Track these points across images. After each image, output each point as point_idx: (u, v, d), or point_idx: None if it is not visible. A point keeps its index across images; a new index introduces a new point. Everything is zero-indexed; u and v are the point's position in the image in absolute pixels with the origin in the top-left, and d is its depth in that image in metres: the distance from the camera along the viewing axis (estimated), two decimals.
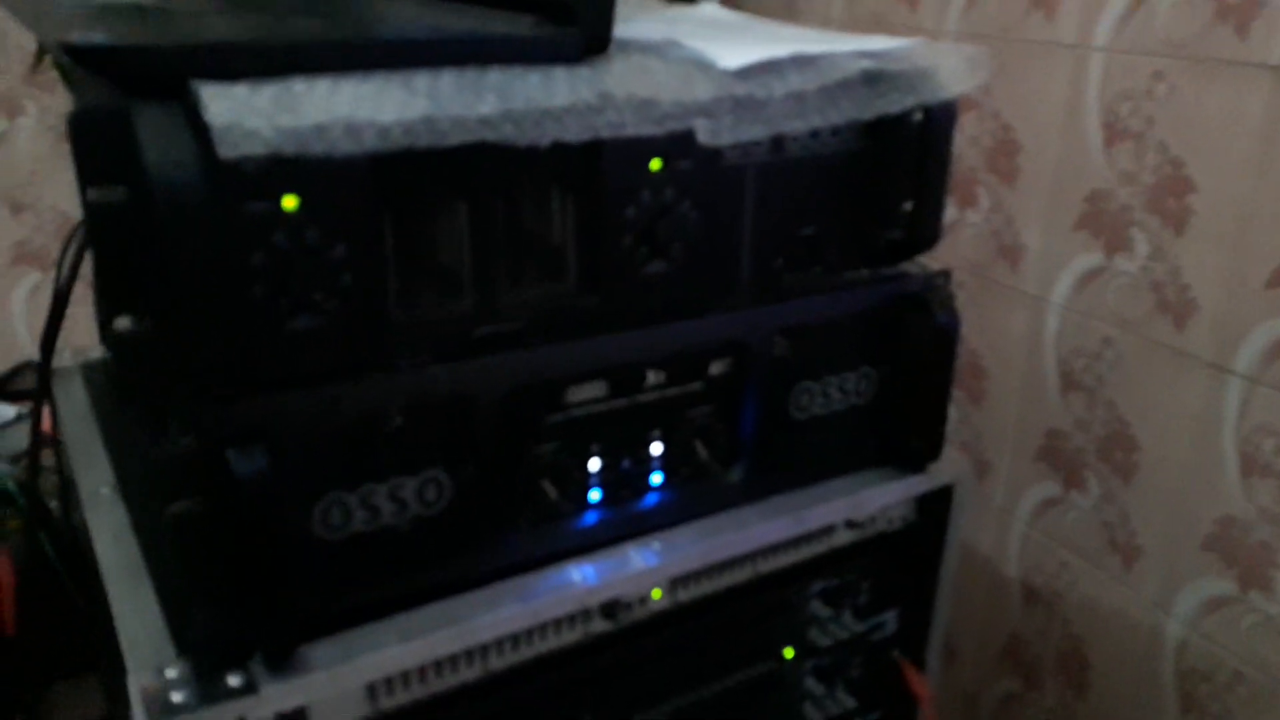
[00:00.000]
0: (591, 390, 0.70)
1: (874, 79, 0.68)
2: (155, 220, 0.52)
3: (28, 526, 1.06)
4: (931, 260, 0.82)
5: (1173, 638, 1.11)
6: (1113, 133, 1.08)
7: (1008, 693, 1.34)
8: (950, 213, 1.29)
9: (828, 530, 0.82)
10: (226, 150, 0.51)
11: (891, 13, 1.34)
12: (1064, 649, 1.25)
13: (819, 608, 0.85)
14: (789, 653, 0.85)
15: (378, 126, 0.54)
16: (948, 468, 0.85)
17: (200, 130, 0.51)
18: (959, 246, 1.29)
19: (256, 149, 0.52)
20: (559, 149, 0.60)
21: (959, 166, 1.26)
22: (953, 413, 1.33)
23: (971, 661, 1.39)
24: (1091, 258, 1.13)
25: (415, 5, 0.73)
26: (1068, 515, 1.22)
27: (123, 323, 0.56)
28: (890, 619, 0.89)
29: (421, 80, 0.57)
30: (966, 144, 1.25)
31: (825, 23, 1.41)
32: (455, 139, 0.56)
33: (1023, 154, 1.19)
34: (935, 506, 0.86)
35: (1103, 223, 1.11)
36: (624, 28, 0.69)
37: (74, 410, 0.93)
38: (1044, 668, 1.28)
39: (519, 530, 0.70)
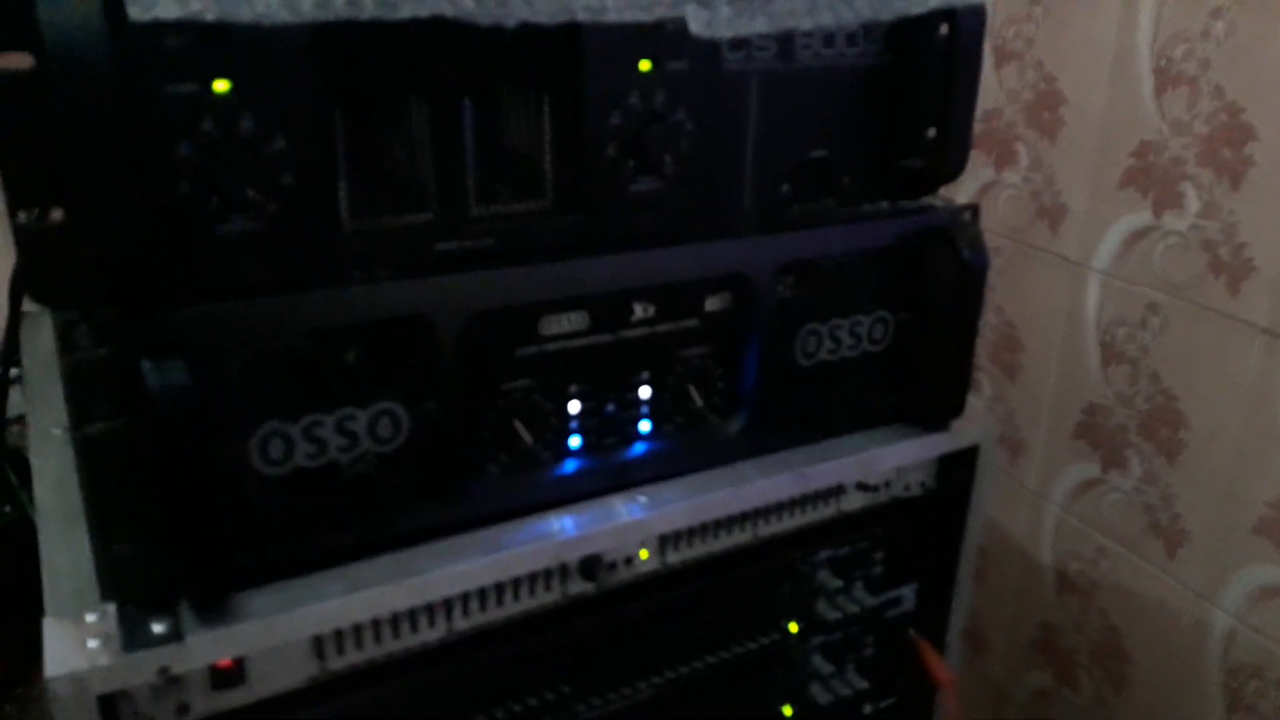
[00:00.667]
0: (570, 322, 0.63)
1: None
2: (55, 95, 0.45)
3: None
4: None
5: (1219, 629, 1.02)
6: (1165, 78, 0.99)
7: (1039, 686, 1.26)
8: (987, 173, 1.20)
9: (836, 492, 0.74)
10: (138, 11, 0.45)
11: None
12: (1100, 641, 1.16)
13: (827, 578, 0.77)
14: (793, 626, 0.77)
15: None
16: (972, 427, 0.77)
17: None
18: (995, 209, 1.20)
19: (171, 12, 0.45)
20: (532, 40, 0.54)
21: (996, 123, 1.18)
22: (985, 387, 1.25)
23: (1001, 652, 1.31)
24: (1138, 217, 1.04)
25: None
26: (1107, 497, 1.13)
27: (29, 216, 0.49)
28: (908, 594, 0.81)
29: None
30: (1006, 98, 1.16)
31: None
32: (406, 11, 0.49)
33: (1066, 106, 1.10)
34: (957, 470, 0.78)
35: (1152, 178, 1.02)
36: None
37: (37, 350, 0.87)
38: (1079, 661, 1.20)
39: (487, 476, 0.63)
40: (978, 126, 1.18)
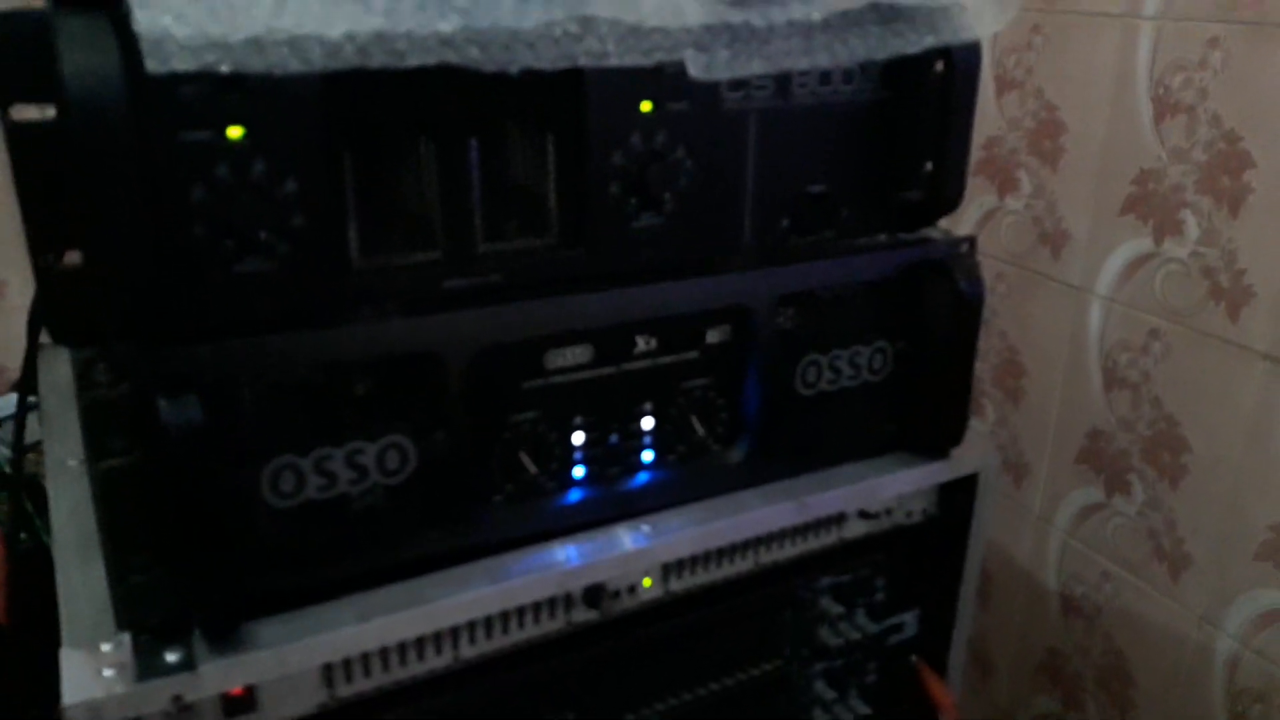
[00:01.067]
0: (574, 355, 0.64)
1: (887, 14, 0.62)
2: (75, 143, 0.47)
3: (13, 507, 1.03)
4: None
5: (1223, 654, 1.03)
6: (1163, 107, 1.00)
7: (1045, 710, 1.26)
8: (989, 199, 1.22)
9: (837, 519, 0.75)
10: (155, 64, 0.47)
11: None
12: (1106, 665, 1.17)
13: (829, 605, 0.78)
14: (796, 653, 0.78)
15: (325, 42, 0.49)
16: (972, 454, 0.78)
17: (130, 44, 0.47)
18: (998, 235, 1.21)
19: (188, 64, 0.47)
20: (537, 83, 0.55)
21: (998, 150, 1.19)
22: (989, 412, 1.26)
23: (1007, 677, 1.31)
24: (1139, 243, 1.05)
25: None
26: (1110, 522, 1.14)
27: (50, 258, 0.51)
28: (909, 620, 0.82)
29: None
30: (1007, 126, 1.18)
31: None
32: (414, 60, 0.51)
33: (1066, 134, 1.11)
34: (958, 497, 0.79)
35: (1152, 205, 1.03)
36: None
37: (55, 382, 0.89)
38: (1084, 685, 1.20)
39: (493, 507, 0.64)
40: (980, 154, 1.20)
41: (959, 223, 1.21)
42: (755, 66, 0.59)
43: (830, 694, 0.80)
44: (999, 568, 1.28)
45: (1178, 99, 0.99)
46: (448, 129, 0.57)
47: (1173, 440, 1.05)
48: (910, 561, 0.81)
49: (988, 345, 1.24)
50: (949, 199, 0.71)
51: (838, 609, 0.78)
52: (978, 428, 0.78)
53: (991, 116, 1.19)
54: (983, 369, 1.26)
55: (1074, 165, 1.11)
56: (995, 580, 1.29)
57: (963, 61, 0.66)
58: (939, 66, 0.68)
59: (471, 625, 0.63)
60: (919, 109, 0.69)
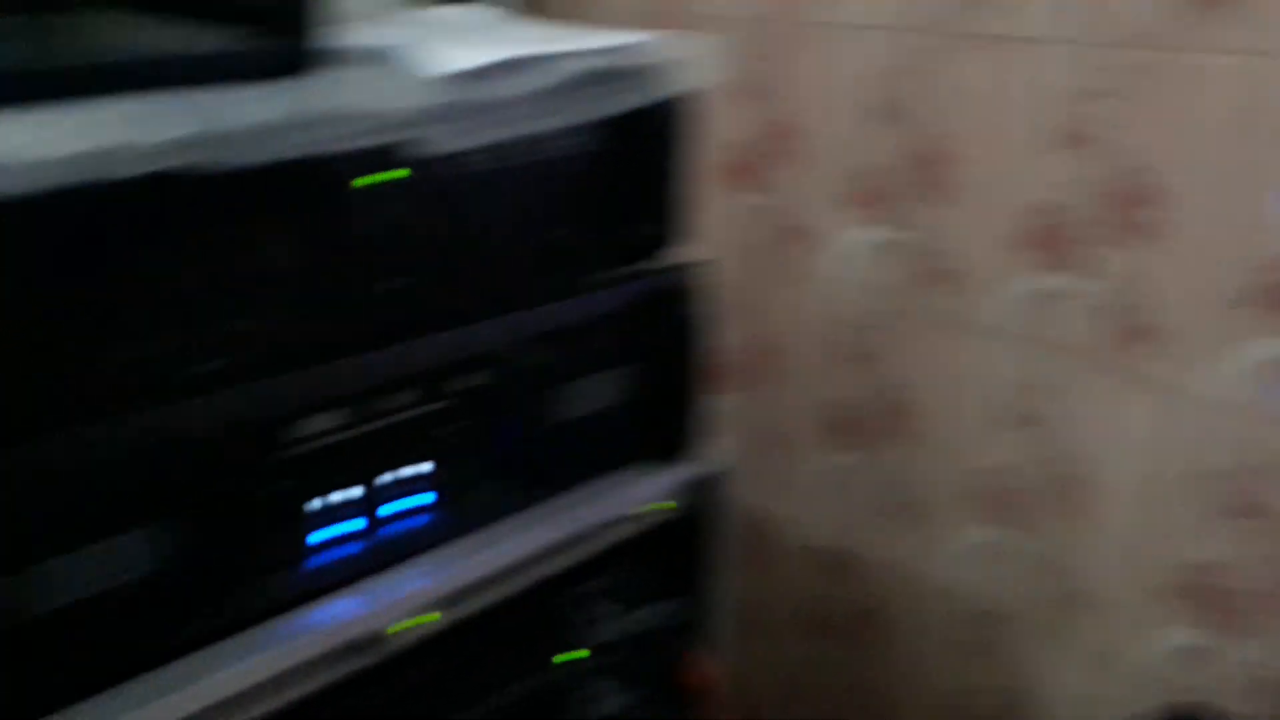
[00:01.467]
0: (328, 420, 0.66)
1: (604, 77, 0.67)
2: None
3: None
4: (717, 247, 0.82)
5: (946, 585, 1.18)
6: (885, 109, 1.11)
7: (807, 656, 1.38)
8: (734, 198, 1.29)
9: (598, 529, 0.81)
10: None
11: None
12: (865, 609, 1.29)
13: (599, 606, 0.84)
14: (573, 655, 0.84)
15: (34, 165, 0.49)
16: (711, 455, 0.86)
17: None
18: (742, 232, 1.29)
19: None
20: (268, 172, 0.56)
21: (742, 154, 1.26)
22: (745, 391, 1.34)
23: (777, 633, 1.42)
24: (867, 231, 1.16)
25: (117, 25, 0.66)
26: (855, 479, 1.25)
27: None
28: (671, 609, 0.89)
29: (101, 110, 0.52)
30: (748, 130, 1.25)
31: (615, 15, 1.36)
32: (135, 168, 0.51)
33: (801, 136, 1.20)
34: (704, 493, 0.87)
35: (875, 196, 1.14)
36: (353, 35, 0.64)
37: None
38: (848, 630, 1.32)
39: (267, 575, 0.66)
40: (724, 158, 1.27)
41: (708, 225, 1.29)
42: (478, 138, 0.62)
43: (607, 687, 0.87)
44: (763, 533, 1.38)
45: (896, 102, 1.09)
46: (188, 223, 0.58)
47: (906, 404, 1.17)
48: (670, 555, 0.87)
49: (746, 330, 1.32)
50: (676, 231, 0.76)
51: (607, 609, 0.84)
52: (720, 421, 0.85)
53: (734, 121, 1.25)
54: (743, 352, 1.34)
55: (806, 163, 1.20)
56: (760, 545, 1.39)
57: (679, 110, 0.72)
58: (659, 115, 0.73)
59: (255, 689, 0.65)
60: (641, 152, 0.74)
